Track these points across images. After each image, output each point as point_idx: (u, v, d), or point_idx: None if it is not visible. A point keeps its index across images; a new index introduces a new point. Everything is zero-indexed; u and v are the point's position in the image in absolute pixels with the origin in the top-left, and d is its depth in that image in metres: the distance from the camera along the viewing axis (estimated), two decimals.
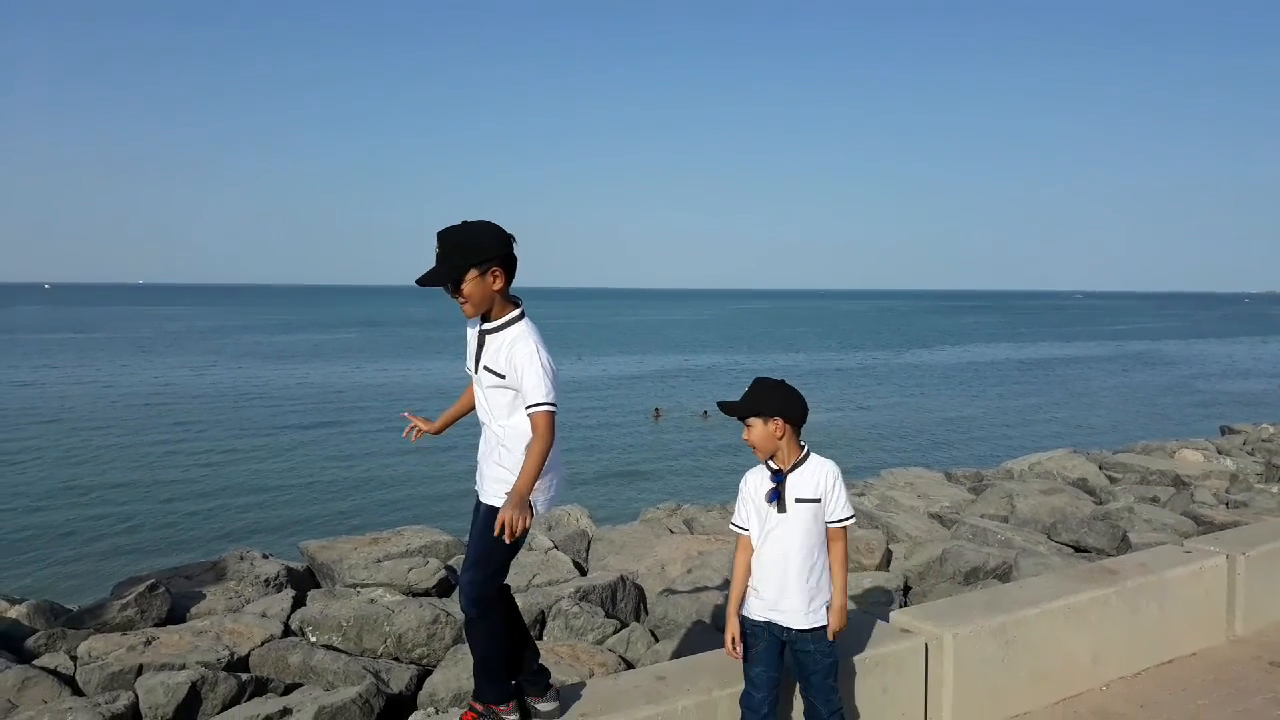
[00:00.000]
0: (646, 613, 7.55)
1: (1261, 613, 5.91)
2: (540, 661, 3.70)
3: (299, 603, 7.57)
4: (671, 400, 36.62)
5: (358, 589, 7.79)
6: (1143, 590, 5.31)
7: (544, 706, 3.57)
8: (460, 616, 6.92)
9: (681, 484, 21.01)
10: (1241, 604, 5.78)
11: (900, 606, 6.63)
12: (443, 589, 7.92)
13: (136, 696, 5.75)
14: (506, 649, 3.52)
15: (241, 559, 8.49)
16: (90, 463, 23.71)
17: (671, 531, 9.39)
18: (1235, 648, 5.63)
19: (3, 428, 28.60)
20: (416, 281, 3.33)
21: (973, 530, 9.05)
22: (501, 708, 3.49)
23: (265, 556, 8.70)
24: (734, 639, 3.66)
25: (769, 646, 3.61)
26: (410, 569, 7.96)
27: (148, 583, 7.42)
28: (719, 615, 6.79)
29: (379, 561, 8.17)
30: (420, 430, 3.85)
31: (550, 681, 3.67)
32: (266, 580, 8.07)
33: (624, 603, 7.47)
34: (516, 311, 3.40)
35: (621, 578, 7.64)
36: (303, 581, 8.49)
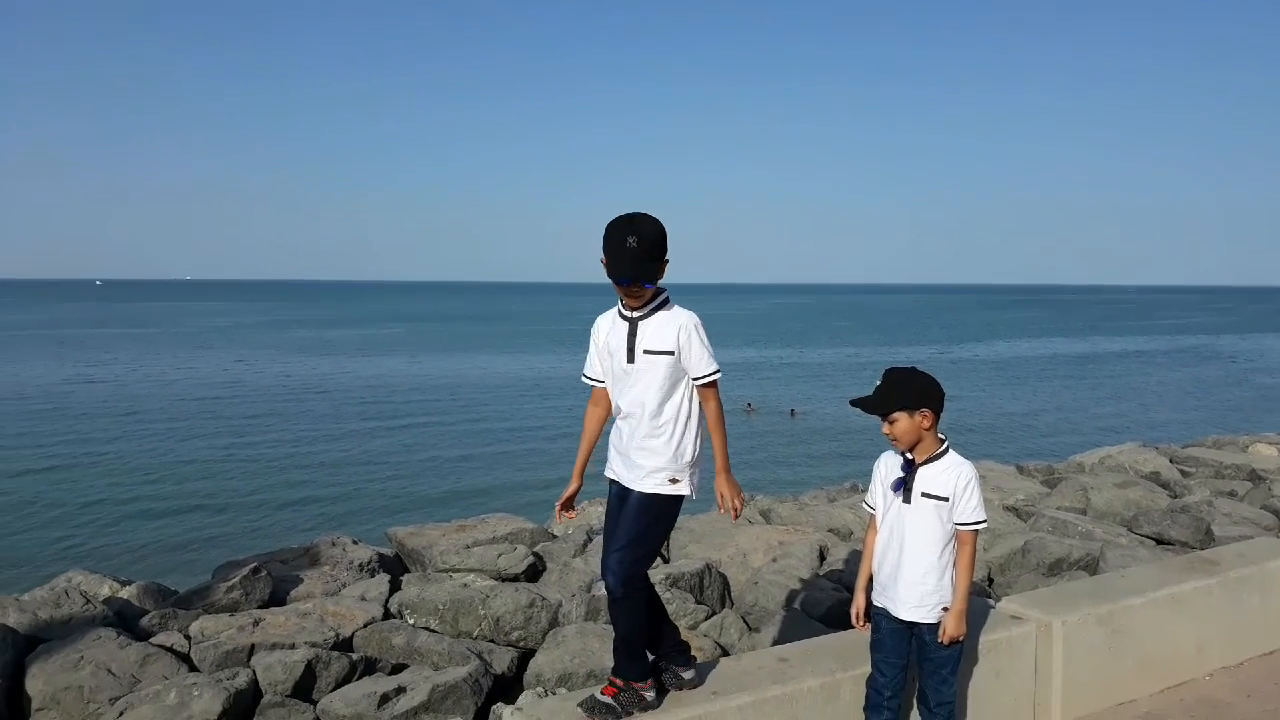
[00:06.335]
0: (732, 601, 7.68)
1: None
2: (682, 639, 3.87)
3: (394, 586, 7.79)
4: (757, 396, 36.51)
5: (450, 574, 7.99)
6: (1245, 581, 5.34)
7: (686, 674, 3.77)
8: (555, 600, 7.12)
9: (755, 475, 21.09)
10: None
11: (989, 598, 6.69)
12: (531, 574, 8.10)
13: (255, 674, 5.99)
14: (648, 627, 3.67)
15: (334, 544, 8.73)
16: (169, 456, 24.42)
17: (750, 522, 9.50)
18: None
19: (79, 423, 29.37)
20: (627, 276, 3.39)
21: (1052, 523, 9.04)
22: (640, 685, 3.64)
23: (355, 542, 8.93)
24: (858, 614, 3.79)
25: (892, 632, 3.67)
26: (500, 555, 8.15)
27: (250, 566, 7.67)
28: (810, 603, 6.90)
29: (468, 548, 8.36)
30: (570, 510, 3.87)
31: (691, 655, 3.85)
32: (360, 565, 8.30)
33: (711, 590, 7.59)
34: (665, 295, 3.56)
35: (708, 565, 7.77)
36: (393, 566, 8.72)
